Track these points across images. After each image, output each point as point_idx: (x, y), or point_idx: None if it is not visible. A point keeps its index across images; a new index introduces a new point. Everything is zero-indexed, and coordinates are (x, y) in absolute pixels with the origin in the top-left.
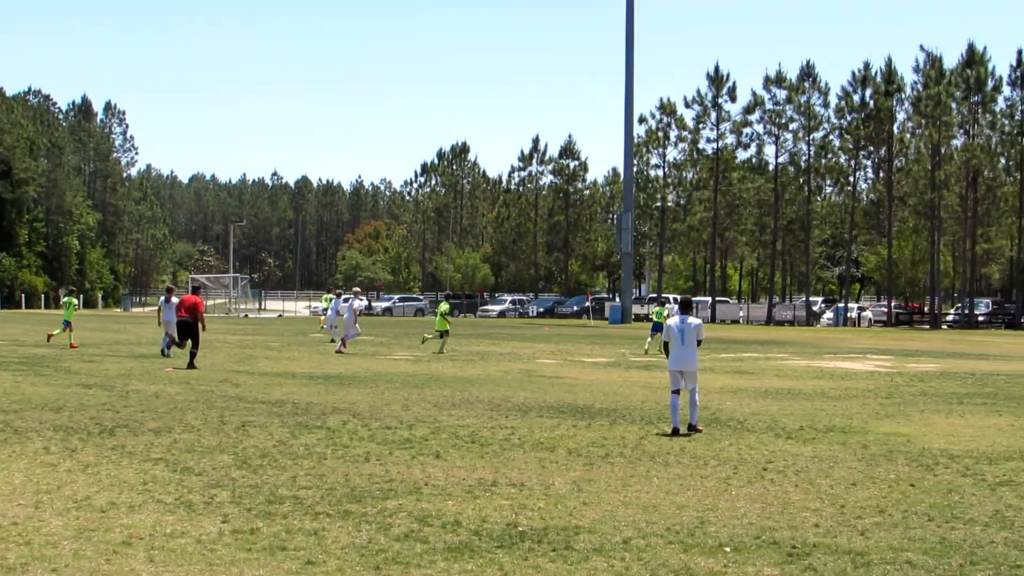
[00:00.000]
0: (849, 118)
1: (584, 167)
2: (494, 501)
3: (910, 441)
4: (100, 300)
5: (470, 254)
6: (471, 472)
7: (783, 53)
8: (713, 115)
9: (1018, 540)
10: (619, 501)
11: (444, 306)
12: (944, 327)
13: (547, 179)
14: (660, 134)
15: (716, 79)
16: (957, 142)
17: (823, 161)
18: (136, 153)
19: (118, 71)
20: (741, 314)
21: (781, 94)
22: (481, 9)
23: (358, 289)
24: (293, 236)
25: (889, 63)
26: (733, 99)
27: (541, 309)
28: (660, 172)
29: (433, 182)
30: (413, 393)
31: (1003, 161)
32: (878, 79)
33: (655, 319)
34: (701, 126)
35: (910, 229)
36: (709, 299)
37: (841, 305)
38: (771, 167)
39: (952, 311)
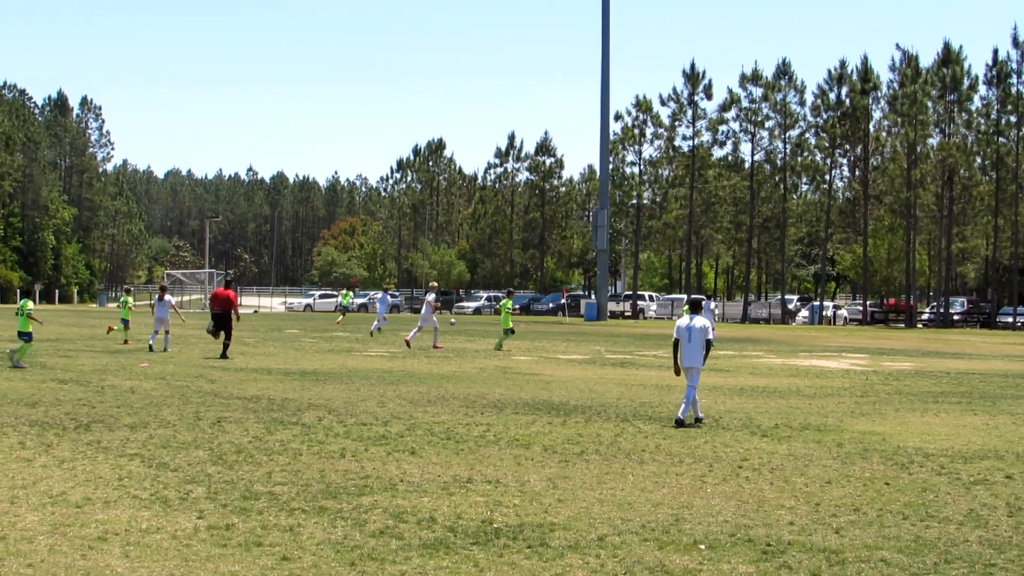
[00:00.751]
0: (825, 116)
1: (560, 164)
2: (469, 498)
3: (885, 440)
4: (76, 295)
5: (446, 251)
6: (446, 469)
7: (759, 51)
8: (689, 112)
9: (992, 539)
10: (594, 498)
11: (508, 302)
12: (919, 326)
13: (523, 176)
14: (636, 131)
15: (692, 77)
16: (933, 141)
17: (799, 159)
18: (112, 148)
19: (94, 66)
20: (716, 312)
21: (757, 92)
22: (458, 6)
23: (435, 284)
24: (269, 232)
25: (865, 61)
26: (709, 97)
27: (517, 306)
28: (636, 169)
29: (409, 178)
30: (389, 390)
31: (979, 160)
32: (854, 77)
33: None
34: (677, 123)
35: (886, 228)
36: (684, 297)
37: (816, 303)
38: (747, 165)
39: (927, 310)
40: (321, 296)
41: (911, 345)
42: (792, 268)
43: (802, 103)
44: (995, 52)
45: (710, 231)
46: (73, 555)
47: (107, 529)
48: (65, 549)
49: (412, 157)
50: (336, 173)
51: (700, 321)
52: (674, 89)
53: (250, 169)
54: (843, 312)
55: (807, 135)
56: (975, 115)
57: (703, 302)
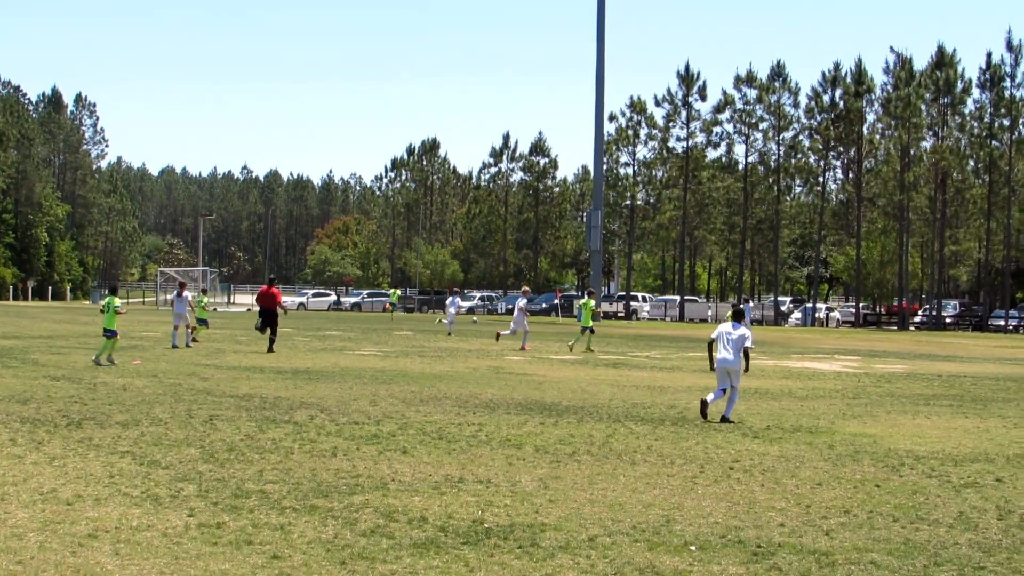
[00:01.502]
0: (819, 118)
1: (554, 164)
2: (460, 497)
3: (876, 442)
4: (68, 292)
5: (439, 250)
6: (438, 468)
7: (754, 53)
8: (683, 114)
9: (982, 542)
10: (585, 499)
11: (590, 301)
12: (912, 328)
13: (517, 176)
14: (630, 132)
15: (686, 78)
16: (926, 144)
17: (792, 161)
18: (106, 145)
19: (89, 63)
20: (709, 313)
21: (751, 93)
22: (454, 5)
23: (527, 289)
24: (263, 230)
25: (859, 64)
26: (703, 98)
27: (510, 306)
28: (630, 170)
29: (403, 177)
30: (381, 389)
31: (972, 163)
32: (848, 80)
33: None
34: (671, 124)
35: (879, 230)
36: (677, 298)
37: (809, 305)
38: (741, 166)
39: (920, 312)
40: (315, 295)
41: (903, 348)
42: (785, 270)
43: (796, 105)
44: (988, 55)
45: (703, 232)
46: (63, 552)
47: (97, 526)
48: (55, 546)
49: (406, 156)
50: (330, 172)
51: (741, 330)
52: (668, 90)
53: (244, 167)
54: (836, 314)
55: (801, 137)
56: (968, 118)
57: (745, 309)
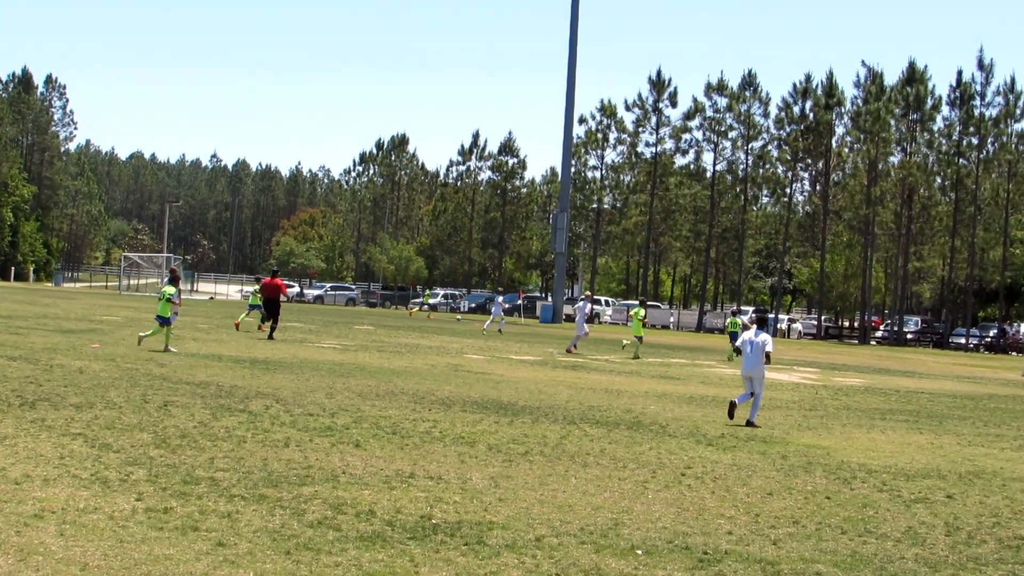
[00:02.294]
0: (788, 129)
1: (522, 165)
2: (410, 493)
3: (830, 454)
4: (32, 274)
5: (404, 246)
6: (389, 463)
7: (725, 61)
8: (653, 119)
9: (928, 557)
10: (535, 499)
11: (640, 311)
12: (872, 343)
13: (485, 175)
14: (599, 136)
15: (658, 83)
16: (894, 159)
17: (760, 171)
18: (75, 128)
19: (62, 45)
20: (672, 320)
21: (722, 102)
22: (427, 2)
23: (588, 293)
24: (229, 219)
25: (830, 76)
26: (674, 104)
27: (473, 305)
28: (598, 174)
29: (371, 172)
30: (338, 382)
31: (939, 180)
32: (819, 92)
33: (730, 329)
34: (641, 130)
35: (844, 243)
36: (637, 301)
37: (771, 316)
38: (708, 174)
39: (881, 327)
40: None
41: (863, 361)
42: (749, 280)
43: (766, 115)
44: (959, 73)
45: (669, 239)
46: (8, 531)
47: (44, 507)
48: (0, 525)
49: (375, 151)
50: (299, 163)
51: (763, 336)
52: (639, 95)
53: (214, 155)
54: (798, 326)
55: (770, 147)
56: (937, 135)
57: (767, 320)
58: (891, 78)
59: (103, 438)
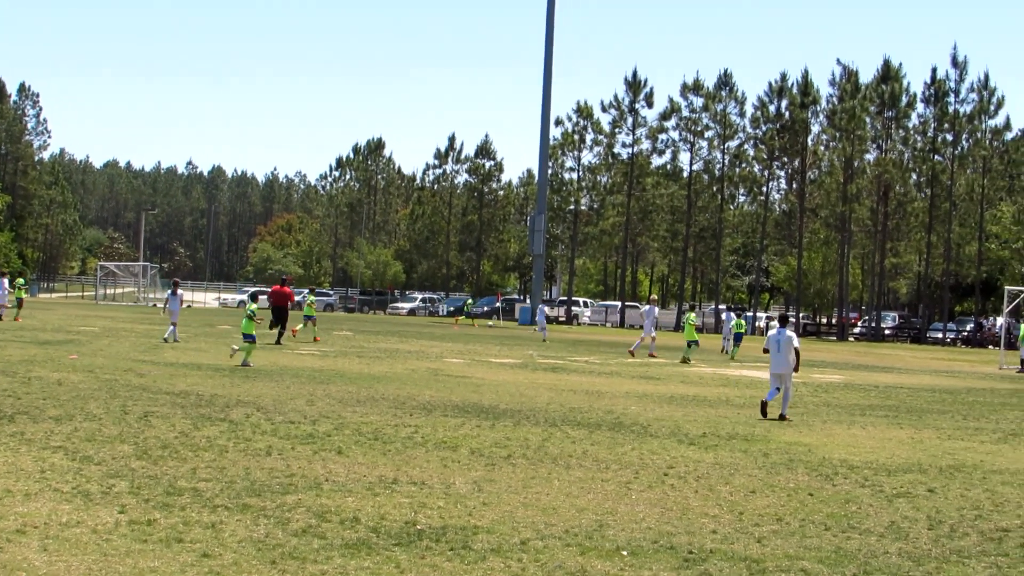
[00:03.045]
0: (764, 128)
1: (499, 167)
2: (394, 499)
3: (811, 451)
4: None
5: (382, 251)
6: (372, 469)
7: (701, 61)
8: (629, 120)
9: (912, 551)
10: (519, 502)
11: (692, 315)
12: (851, 339)
13: (462, 178)
14: (576, 137)
15: (634, 84)
16: (870, 156)
17: (737, 170)
18: (49, 136)
19: (34, 53)
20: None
21: (698, 102)
22: (401, 6)
23: (655, 298)
24: (205, 226)
25: (806, 75)
26: (650, 105)
27: (451, 308)
28: (575, 175)
29: (348, 177)
30: (318, 388)
31: (914, 177)
32: (794, 90)
33: (736, 330)
34: (617, 131)
35: (820, 241)
36: (619, 304)
37: (750, 314)
38: (685, 174)
39: (859, 324)
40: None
41: (841, 358)
42: (727, 278)
43: (742, 114)
44: (934, 71)
45: (646, 239)
46: None
47: (26, 522)
48: None
49: (351, 155)
50: (275, 169)
51: (789, 333)
52: (615, 96)
53: (189, 162)
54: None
55: (746, 146)
56: (912, 132)
57: (789, 319)
58: (866, 76)
59: (84, 451)
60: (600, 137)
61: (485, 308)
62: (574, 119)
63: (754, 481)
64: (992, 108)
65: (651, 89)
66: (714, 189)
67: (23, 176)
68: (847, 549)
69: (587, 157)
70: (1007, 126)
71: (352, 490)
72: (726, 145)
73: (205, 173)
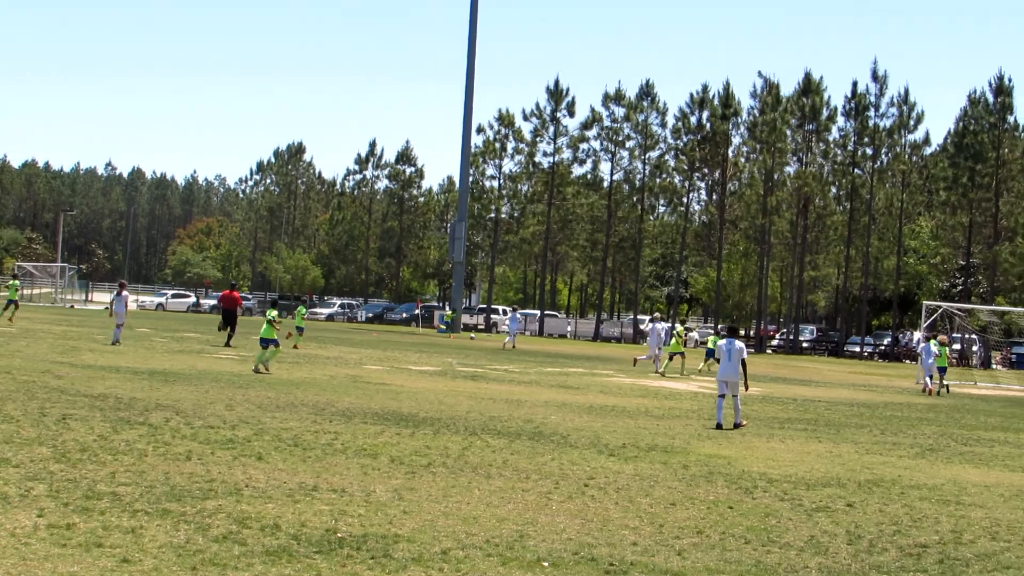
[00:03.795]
0: (685, 139)
1: (420, 174)
2: (314, 506)
3: (731, 464)
4: None
5: (301, 255)
6: (292, 476)
7: (623, 71)
8: (551, 129)
9: (831, 566)
10: (439, 511)
11: (682, 329)
12: (769, 351)
13: (382, 184)
14: (497, 145)
15: (556, 93)
16: (790, 169)
17: (657, 180)
18: None
19: None
20: (569, 329)
21: (619, 111)
22: (323, 9)
23: (659, 314)
24: (124, 228)
25: (727, 87)
26: (572, 114)
27: (370, 314)
28: (496, 183)
29: (268, 181)
30: (238, 393)
31: (834, 190)
32: (716, 102)
33: (710, 345)
34: (538, 139)
35: (740, 253)
36: (538, 312)
37: (667, 325)
38: (606, 184)
39: (777, 336)
40: (174, 296)
41: (760, 370)
42: (646, 289)
43: (663, 125)
44: (854, 85)
45: (566, 248)
46: None
47: None
48: None
49: (272, 160)
50: (194, 172)
51: (738, 344)
52: (537, 104)
53: (108, 164)
54: (694, 335)
55: (667, 157)
56: (832, 145)
57: (738, 330)
58: (787, 89)
59: (1, 453)
60: (521, 146)
61: (404, 315)
62: (496, 127)
63: (674, 493)
64: (912, 123)
65: (573, 98)
66: (634, 199)
67: None
68: (767, 563)
69: (508, 165)
70: (926, 141)
71: (272, 496)
72: (647, 155)
73: (125, 175)
